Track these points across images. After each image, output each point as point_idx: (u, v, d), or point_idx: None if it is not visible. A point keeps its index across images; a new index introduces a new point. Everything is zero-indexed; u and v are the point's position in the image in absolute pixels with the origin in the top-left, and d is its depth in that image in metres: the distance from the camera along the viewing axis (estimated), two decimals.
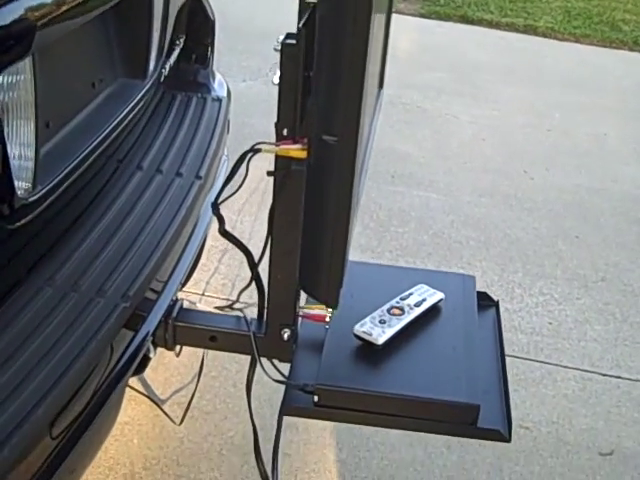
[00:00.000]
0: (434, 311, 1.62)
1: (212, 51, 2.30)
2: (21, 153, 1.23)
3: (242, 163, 1.32)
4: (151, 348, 1.60)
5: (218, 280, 2.79)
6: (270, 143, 1.29)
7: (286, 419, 2.20)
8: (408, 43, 5.57)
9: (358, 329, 1.51)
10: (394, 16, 6.26)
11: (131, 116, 1.71)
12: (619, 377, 2.59)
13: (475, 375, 1.48)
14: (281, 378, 1.53)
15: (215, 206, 1.40)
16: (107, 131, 1.59)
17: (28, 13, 1.18)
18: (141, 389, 2.25)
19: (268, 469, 1.57)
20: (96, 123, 1.58)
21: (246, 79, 4.62)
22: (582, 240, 3.36)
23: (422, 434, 2.24)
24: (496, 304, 1.76)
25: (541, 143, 4.24)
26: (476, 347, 1.55)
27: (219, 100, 2.19)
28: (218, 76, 2.34)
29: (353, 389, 1.43)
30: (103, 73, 1.67)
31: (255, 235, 3.01)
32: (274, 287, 1.53)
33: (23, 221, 1.25)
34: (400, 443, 2.23)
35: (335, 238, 1.17)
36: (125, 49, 1.73)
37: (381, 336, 1.50)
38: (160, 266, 1.50)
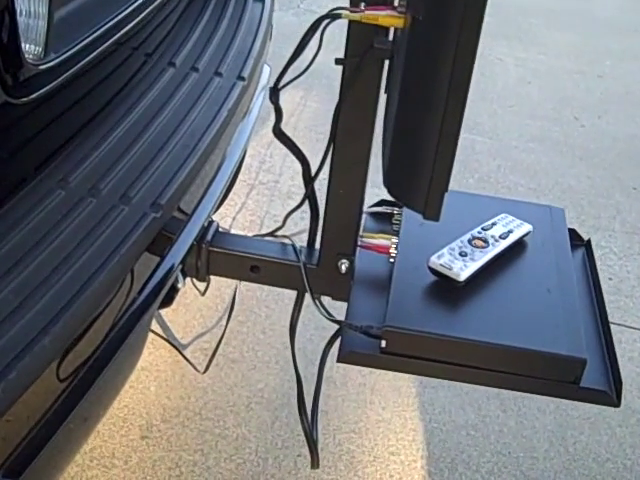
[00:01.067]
0: (521, 245, 1.35)
1: None
2: (30, 9, 0.95)
3: (316, 32, 1.03)
4: (180, 277, 1.33)
5: (246, 217, 2.52)
6: (352, 9, 1.00)
7: (324, 373, 1.94)
8: None
9: (435, 261, 1.24)
10: None
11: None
12: None
13: (577, 323, 1.21)
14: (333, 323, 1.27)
15: (275, 92, 1.12)
16: (132, 9, 1.30)
17: None
18: (160, 332, 2.01)
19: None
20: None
21: (276, 9, 4.29)
22: None
23: (474, 395, 1.99)
24: (587, 243, 1.49)
25: (591, 90, 3.92)
26: (574, 290, 1.28)
27: (262, 0, 1.90)
28: None
29: (430, 333, 1.16)
30: None
31: (285, 172, 2.72)
32: (333, 206, 1.26)
33: (32, 96, 0.97)
34: (450, 405, 1.97)
35: (446, 123, 0.89)
36: None
37: (463, 270, 1.22)
38: (197, 174, 1.23)
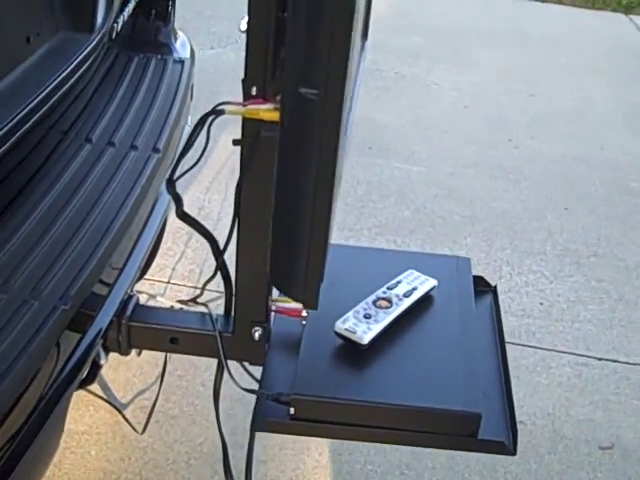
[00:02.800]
0: (426, 301, 1.42)
1: (173, 6, 2.06)
2: None
3: (202, 129, 1.10)
4: (102, 354, 1.38)
5: (185, 266, 2.56)
6: (236, 103, 1.07)
7: None
8: (383, 6, 5.32)
9: (340, 326, 1.31)
10: None
11: (75, 77, 1.48)
12: (616, 361, 2.41)
13: (475, 377, 1.28)
14: (253, 385, 1.33)
15: (171, 184, 1.18)
16: (45, 94, 1.36)
17: None
18: (100, 393, 2.05)
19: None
20: (31, 84, 1.35)
21: (214, 46, 4.36)
22: (571, 212, 3.17)
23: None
24: (494, 290, 1.56)
25: (525, 109, 4.04)
26: (474, 343, 1.35)
27: (181, 62, 1.96)
28: (181, 35, 2.10)
29: (335, 399, 1.22)
30: (40, 25, 1.43)
31: (224, 217, 2.77)
32: (242, 278, 1.32)
33: None
34: (385, 445, 2.03)
35: (315, 220, 0.96)
36: None
37: (366, 334, 1.29)
38: (109, 257, 1.28)
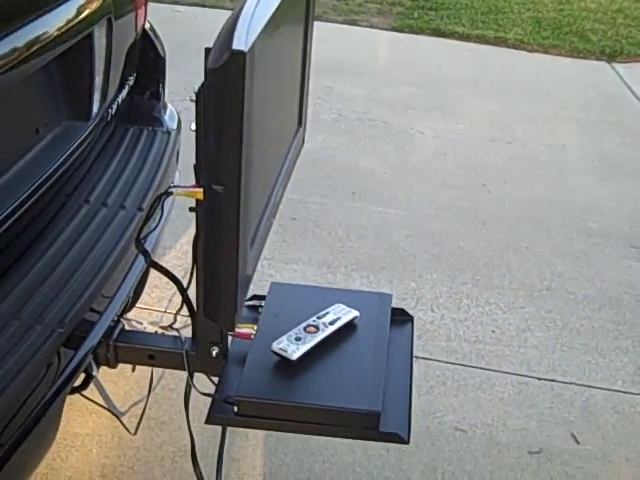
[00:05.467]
0: (349, 328, 1.80)
1: (163, 86, 2.48)
2: None
3: (158, 205, 1.49)
4: (94, 367, 1.79)
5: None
6: (183, 186, 1.46)
7: (238, 429, 2.39)
8: (379, 58, 5.76)
9: (275, 346, 1.69)
10: (367, 31, 6.50)
11: (76, 155, 1.89)
12: (554, 380, 2.76)
13: (379, 385, 1.65)
14: (212, 391, 1.72)
15: (138, 241, 1.57)
16: (50, 172, 1.77)
17: None
18: (102, 402, 2.44)
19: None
20: (40, 165, 1.76)
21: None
22: (531, 250, 3.53)
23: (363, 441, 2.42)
24: (411, 319, 1.94)
25: (501, 156, 4.42)
26: (384, 360, 1.72)
27: (168, 132, 2.37)
28: (170, 108, 2.52)
29: (269, 400, 1.61)
30: (47, 118, 1.85)
31: None
32: (200, 310, 1.71)
33: None
34: (342, 447, 2.40)
35: (226, 274, 1.34)
36: (69, 94, 1.91)
37: (295, 352, 1.68)
38: (98, 293, 1.68)
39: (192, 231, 1.50)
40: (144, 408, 2.30)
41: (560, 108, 5.16)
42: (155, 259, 1.78)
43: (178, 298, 3.00)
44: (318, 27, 6.36)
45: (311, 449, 2.38)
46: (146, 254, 1.61)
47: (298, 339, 1.71)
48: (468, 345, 2.90)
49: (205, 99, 1.22)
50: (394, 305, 1.91)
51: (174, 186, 1.46)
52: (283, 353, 1.68)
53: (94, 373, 1.79)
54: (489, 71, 5.72)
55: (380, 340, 1.78)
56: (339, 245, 3.43)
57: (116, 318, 1.81)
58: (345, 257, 3.35)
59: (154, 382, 2.59)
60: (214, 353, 1.74)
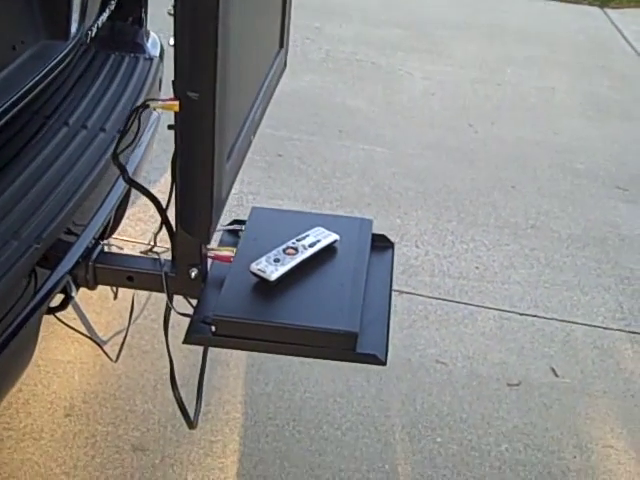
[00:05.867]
0: (328, 251, 1.79)
1: (146, 11, 2.44)
2: None
3: (135, 118, 1.47)
4: (73, 288, 1.78)
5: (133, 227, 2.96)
6: (160, 99, 1.44)
7: (219, 357, 2.41)
8: (367, 0, 5.69)
9: (254, 267, 1.68)
10: None
11: (53, 75, 1.86)
12: (535, 316, 2.78)
13: (357, 307, 1.65)
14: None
15: (114, 156, 1.55)
16: (27, 89, 1.74)
17: None
18: (84, 331, 2.44)
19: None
20: (16, 82, 1.73)
21: None
22: (518, 190, 3.53)
23: (344, 370, 2.44)
24: (392, 245, 1.93)
25: (489, 97, 4.39)
26: (363, 283, 1.72)
27: (151, 59, 2.34)
28: (152, 35, 2.48)
29: (246, 319, 1.60)
30: (24, 36, 1.82)
31: None
32: (180, 231, 1.70)
33: None
34: (323, 378, 2.42)
35: (202, 183, 1.33)
36: (47, 12, 1.88)
37: (274, 273, 1.67)
38: (75, 212, 1.67)
39: None
40: (125, 336, 2.30)
41: (551, 52, 5.12)
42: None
43: (164, 232, 3.02)
44: None
45: (292, 379, 2.40)
46: (123, 169, 1.59)
47: (277, 260, 1.71)
48: (451, 281, 2.91)
49: (181, 7, 1.19)
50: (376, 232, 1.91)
51: (151, 99, 1.44)
52: (261, 274, 1.68)
53: (73, 294, 1.78)
54: (481, 14, 5.66)
55: (359, 263, 1.78)
56: (325, 182, 3.42)
57: (95, 240, 1.80)
58: (330, 193, 3.34)
59: (138, 312, 2.60)
60: (193, 275, 1.73)
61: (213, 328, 1.61)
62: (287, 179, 3.41)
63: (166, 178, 3.24)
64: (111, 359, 2.29)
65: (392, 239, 3.07)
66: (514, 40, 5.23)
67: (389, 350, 2.33)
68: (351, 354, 1.61)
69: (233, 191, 3.29)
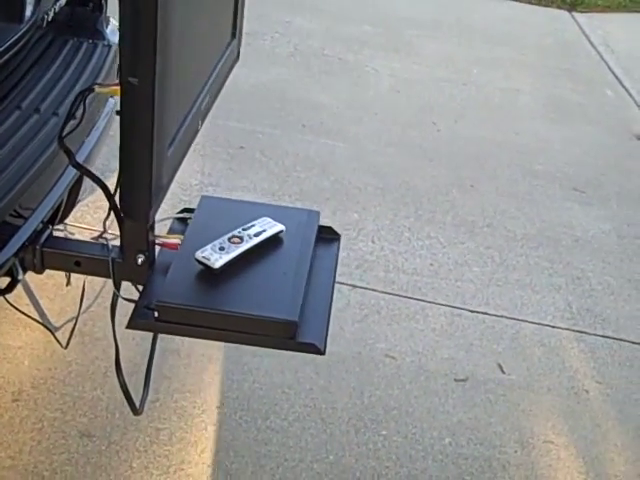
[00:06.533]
0: (274, 241, 1.81)
1: None
2: None
3: (80, 102, 1.48)
4: (20, 271, 1.78)
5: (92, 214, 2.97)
6: (105, 84, 1.46)
7: (170, 346, 2.42)
8: None
9: (199, 254, 1.70)
10: None
11: (6, 58, 1.86)
12: (486, 313, 2.82)
13: (298, 296, 1.67)
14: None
15: (60, 140, 1.55)
16: None
17: None
18: (37, 317, 2.44)
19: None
20: None
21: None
22: (476, 189, 3.57)
23: (294, 361, 2.46)
24: (338, 237, 1.95)
25: (454, 97, 4.43)
26: (306, 273, 1.74)
27: (109, 46, 2.34)
28: (113, 22, 2.48)
29: (188, 306, 1.62)
30: None
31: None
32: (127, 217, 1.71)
33: None
34: (272, 369, 2.44)
35: (140, 163, 1.34)
36: None
37: (218, 261, 1.68)
38: (21, 195, 1.68)
39: None
40: (75, 322, 2.30)
41: (518, 54, 5.17)
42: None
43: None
44: None
45: (242, 369, 2.42)
46: (69, 153, 1.60)
47: (222, 249, 1.72)
48: (405, 276, 2.94)
49: None
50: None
51: (97, 83, 1.45)
52: (206, 261, 1.69)
53: (19, 277, 1.79)
54: (449, 14, 5.70)
55: (303, 254, 1.80)
56: (285, 175, 3.44)
57: (43, 224, 1.81)
58: (290, 187, 3.36)
59: (92, 300, 2.60)
60: (140, 261, 1.74)
61: (156, 314, 1.63)
62: (248, 172, 3.42)
63: None
64: (62, 345, 2.29)
65: (349, 234, 3.13)
66: (482, 41, 5.27)
67: (341, 343, 2.39)
68: (290, 342, 1.63)
69: (193, 181, 3.33)
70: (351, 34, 5.02)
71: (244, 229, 1.79)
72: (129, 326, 1.66)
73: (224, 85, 1.87)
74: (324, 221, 3.07)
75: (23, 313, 2.07)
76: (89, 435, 2.15)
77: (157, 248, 1.81)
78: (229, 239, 1.76)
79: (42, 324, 2.43)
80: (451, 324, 2.75)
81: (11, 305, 1.95)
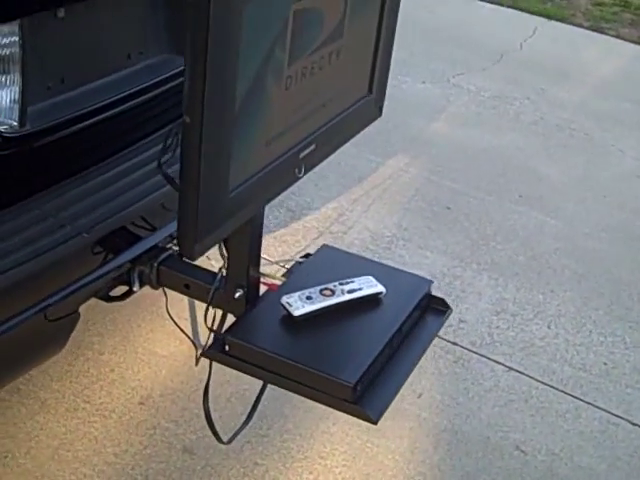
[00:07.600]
0: (369, 302, 1.79)
1: None
2: None
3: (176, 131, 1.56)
4: (136, 283, 1.92)
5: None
6: None
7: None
8: (609, 68, 5.46)
9: (284, 299, 1.73)
10: (610, 40, 6.15)
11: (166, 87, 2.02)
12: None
13: (366, 360, 1.63)
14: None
15: (159, 166, 1.62)
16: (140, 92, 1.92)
17: None
18: (188, 332, 2.58)
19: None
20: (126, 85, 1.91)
21: (425, 81, 4.80)
22: None
23: (418, 430, 2.40)
24: (448, 310, 1.88)
25: None
26: (387, 340, 1.70)
27: None
28: None
29: (257, 347, 1.65)
30: (143, 46, 1.98)
31: (356, 226, 3.24)
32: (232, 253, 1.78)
33: None
34: (394, 435, 2.39)
35: (188, 205, 1.39)
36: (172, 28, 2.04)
37: (299, 309, 1.70)
38: (129, 214, 1.81)
39: None
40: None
41: None
42: None
43: (314, 245, 3.12)
44: (554, 27, 6.22)
45: (360, 426, 2.38)
46: (170, 180, 1.67)
47: (309, 298, 1.73)
48: (570, 370, 2.74)
49: (189, 31, 1.27)
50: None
51: None
52: (288, 307, 1.71)
53: (135, 289, 1.92)
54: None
55: (393, 320, 1.76)
56: (481, 243, 3.35)
57: (167, 244, 1.93)
58: (482, 255, 3.27)
59: None
60: (237, 295, 1.80)
61: (227, 347, 1.68)
62: (445, 233, 3.38)
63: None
64: (196, 364, 2.41)
65: (526, 314, 2.98)
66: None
67: (472, 423, 2.25)
68: (345, 405, 1.61)
69: (387, 233, 3.34)
70: (607, 110, 4.79)
71: (341, 283, 1.79)
72: (203, 354, 1.72)
73: (350, 138, 1.88)
74: (504, 296, 3.01)
75: (178, 326, 2.15)
76: (191, 452, 2.23)
77: (265, 288, 1.87)
78: (321, 290, 1.76)
79: (191, 340, 2.56)
80: (603, 432, 2.52)
81: (170, 317, 2.06)
